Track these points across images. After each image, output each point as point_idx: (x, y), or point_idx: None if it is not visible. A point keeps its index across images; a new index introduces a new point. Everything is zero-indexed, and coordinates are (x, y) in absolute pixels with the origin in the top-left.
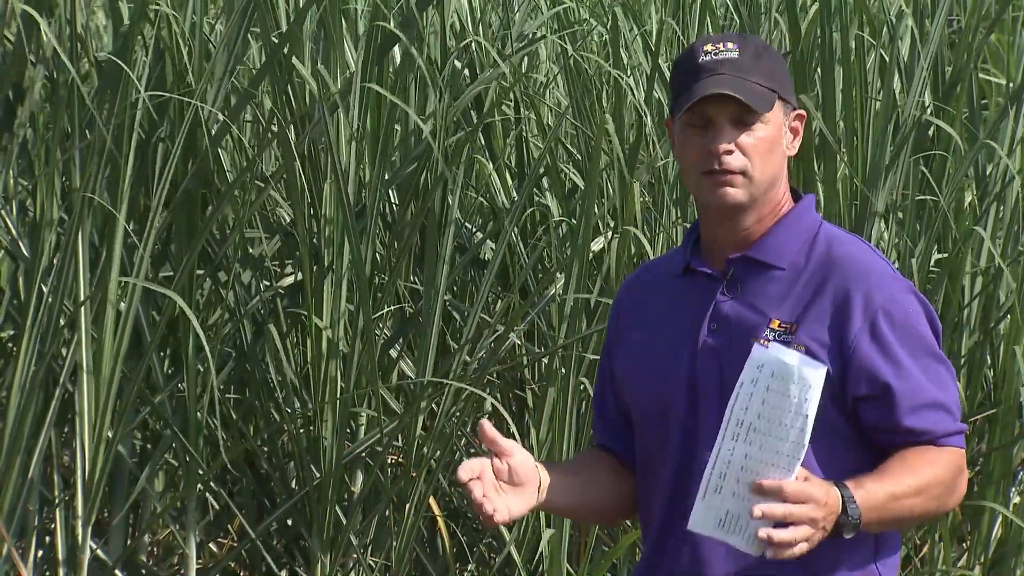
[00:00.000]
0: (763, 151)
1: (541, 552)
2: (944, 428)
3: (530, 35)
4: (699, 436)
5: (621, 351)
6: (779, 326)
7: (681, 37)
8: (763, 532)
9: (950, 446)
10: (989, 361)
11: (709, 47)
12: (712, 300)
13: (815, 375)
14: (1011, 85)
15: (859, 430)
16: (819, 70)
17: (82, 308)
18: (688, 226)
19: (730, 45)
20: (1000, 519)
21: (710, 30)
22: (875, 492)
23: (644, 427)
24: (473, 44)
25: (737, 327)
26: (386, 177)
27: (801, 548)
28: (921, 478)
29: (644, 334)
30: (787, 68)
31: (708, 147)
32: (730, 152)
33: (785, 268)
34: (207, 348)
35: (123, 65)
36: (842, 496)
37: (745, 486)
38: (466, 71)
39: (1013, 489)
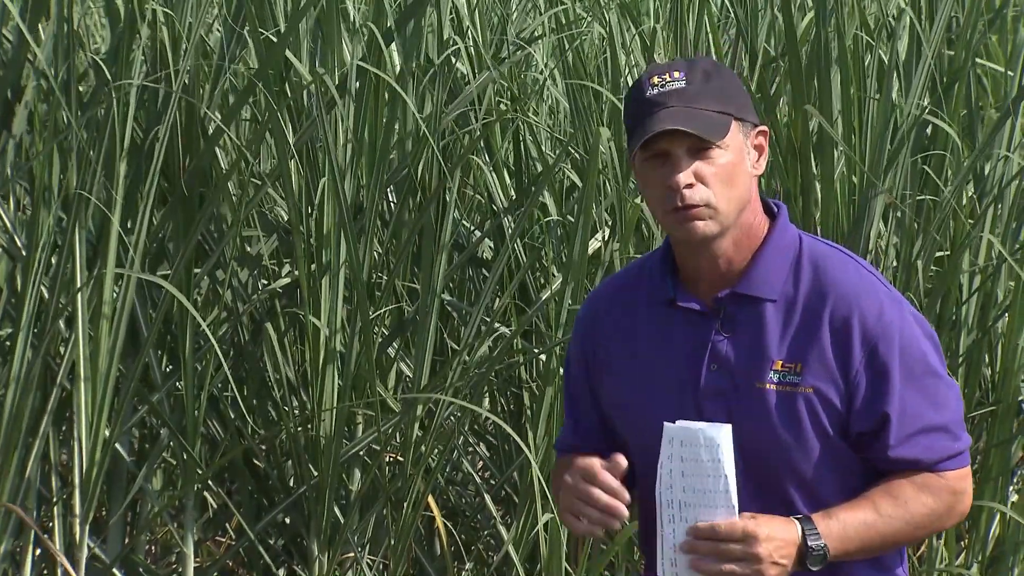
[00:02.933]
0: (725, 178)
1: (539, 551)
2: (938, 454)
3: (528, 35)
4: None
5: (607, 381)
6: (783, 367)
7: (678, 37)
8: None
9: (945, 471)
10: (987, 359)
11: (656, 79)
12: (707, 338)
13: (720, 433)
14: (1009, 75)
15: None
16: (816, 70)
17: (79, 308)
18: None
19: (676, 74)
20: (998, 518)
21: (707, 30)
22: (848, 521)
23: (647, 463)
24: (471, 43)
25: (740, 369)
26: (384, 176)
27: None
28: (903, 506)
29: (637, 365)
30: (741, 84)
31: (667, 182)
32: (691, 186)
33: (776, 299)
34: (212, 340)
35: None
36: (802, 529)
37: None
38: (464, 69)
39: (1011, 487)
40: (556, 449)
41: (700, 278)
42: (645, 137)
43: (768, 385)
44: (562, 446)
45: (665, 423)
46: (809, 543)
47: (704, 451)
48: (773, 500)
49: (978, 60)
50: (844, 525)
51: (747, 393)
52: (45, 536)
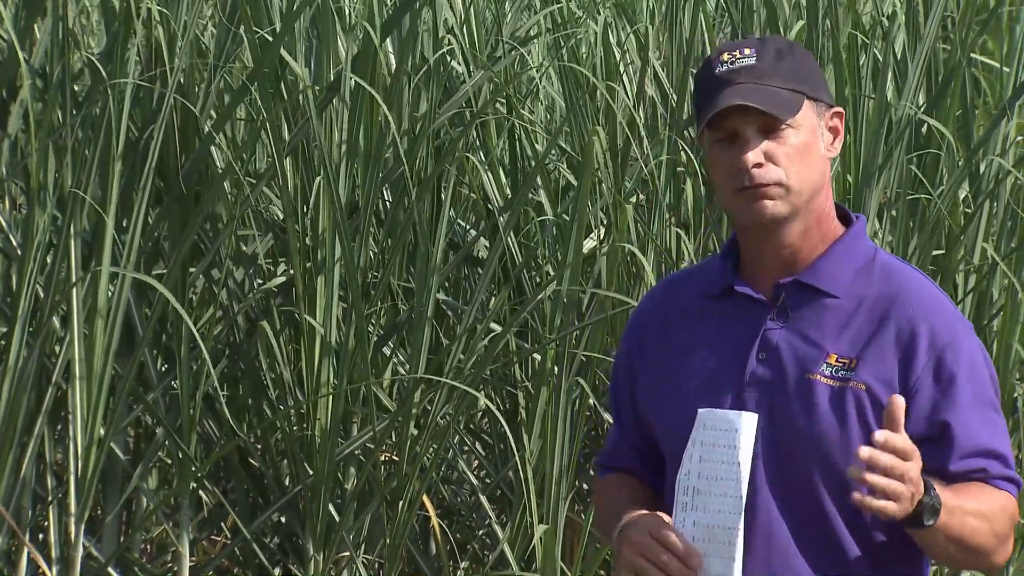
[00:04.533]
0: (797, 158)
1: (534, 550)
2: (998, 471)
3: (523, 33)
4: None
5: (649, 374)
6: (836, 361)
7: (673, 36)
8: (856, 472)
9: (1005, 490)
10: None
11: (726, 56)
12: (759, 327)
13: (742, 420)
14: (1005, 71)
15: None
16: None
17: (74, 307)
18: (722, 244)
19: (747, 51)
20: None
21: (703, 29)
22: (947, 495)
23: (675, 461)
24: (465, 42)
25: (790, 359)
26: (380, 175)
27: (891, 507)
28: (983, 504)
29: (678, 359)
30: (816, 64)
31: (736, 163)
32: (760, 165)
33: (840, 297)
34: (201, 342)
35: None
36: (923, 479)
37: (704, 552)
38: (459, 67)
39: None
40: (598, 465)
41: (763, 267)
42: (712, 113)
43: (819, 377)
44: (606, 461)
45: (699, 410)
46: (931, 492)
47: (723, 436)
48: (800, 497)
49: (974, 55)
50: (945, 496)
51: (795, 384)
52: (28, 542)
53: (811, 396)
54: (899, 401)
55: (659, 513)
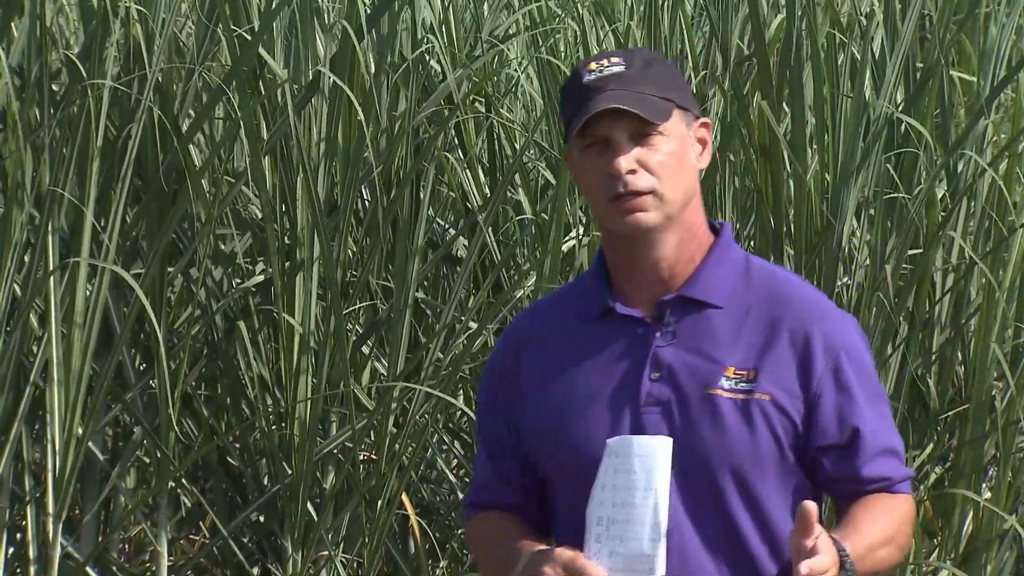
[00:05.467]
0: (670, 166)
1: None
2: (901, 474)
3: (501, 32)
4: None
5: (532, 404)
6: (735, 373)
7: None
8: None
9: (904, 493)
10: (960, 357)
11: (593, 65)
12: (648, 347)
13: (657, 445)
14: (981, 83)
15: (817, 483)
16: (788, 69)
17: (52, 306)
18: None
19: (615, 60)
20: (971, 515)
21: (682, 28)
22: (857, 545)
23: (569, 491)
24: (444, 41)
25: (687, 376)
26: (358, 174)
27: None
28: (888, 527)
29: (564, 386)
30: (682, 75)
31: (608, 169)
32: (633, 172)
33: (724, 307)
34: (162, 345)
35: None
36: (838, 550)
37: None
38: (437, 66)
39: (984, 485)
40: (468, 504)
41: (639, 283)
42: (585, 118)
43: (720, 391)
44: (477, 499)
45: (608, 439)
46: (846, 565)
47: (638, 462)
48: (715, 517)
49: (953, 72)
50: (855, 547)
51: (696, 401)
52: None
53: (716, 411)
54: (811, 508)
55: (571, 552)
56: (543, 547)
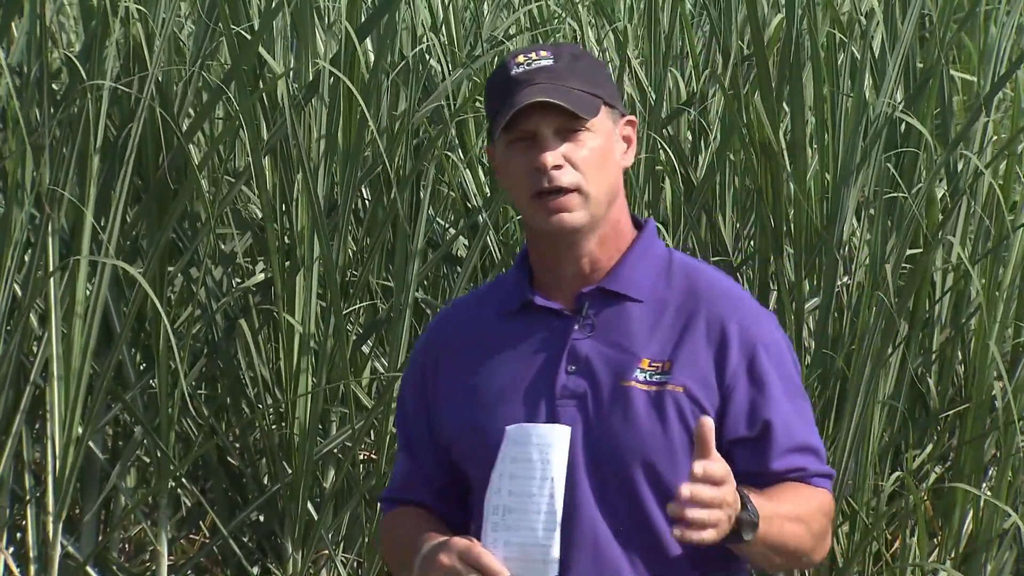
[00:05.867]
0: (596, 163)
1: None
2: (815, 468)
3: (501, 32)
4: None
5: (448, 398)
6: (650, 365)
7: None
8: (676, 509)
9: (821, 487)
10: (960, 357)
11: (521, 58)
12: (566, 339)
13: (554, 433)
14: (981, 83)
15: None
16: (788, 69)
17: (52, 305)
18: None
19: (544, 53)
20: (971, 515)
21: (681, 27)
22: (764, 504)
23: (484, 485)
24: (444, 40)
25: (603, 368)
26: (358, 173)
27: (710, 534)
28: (799, 507)
29: (481, 379)
30: (609, 73)
31: (533, 164)
32: (559, 167)
33: (644, 300)
34: (162, 347)
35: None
36: (739, 493)
37: (519, 573)
38: (438, 66)
39: (984, 485)
40: (383, 500)
41: (560, 278)
42: (511, 111)
43: (634, 383)
44: (394, 495)
45: (507, 427)
46: (748, 507)
47: (535, 451)
48: (627, 508)
49: (955, 72)
50: (762, 505)
51: (610, 393)
52: (5, 541)
53: (628, 403)
54: (708, 422)
55: (467, 540)
56: (443, 538)
